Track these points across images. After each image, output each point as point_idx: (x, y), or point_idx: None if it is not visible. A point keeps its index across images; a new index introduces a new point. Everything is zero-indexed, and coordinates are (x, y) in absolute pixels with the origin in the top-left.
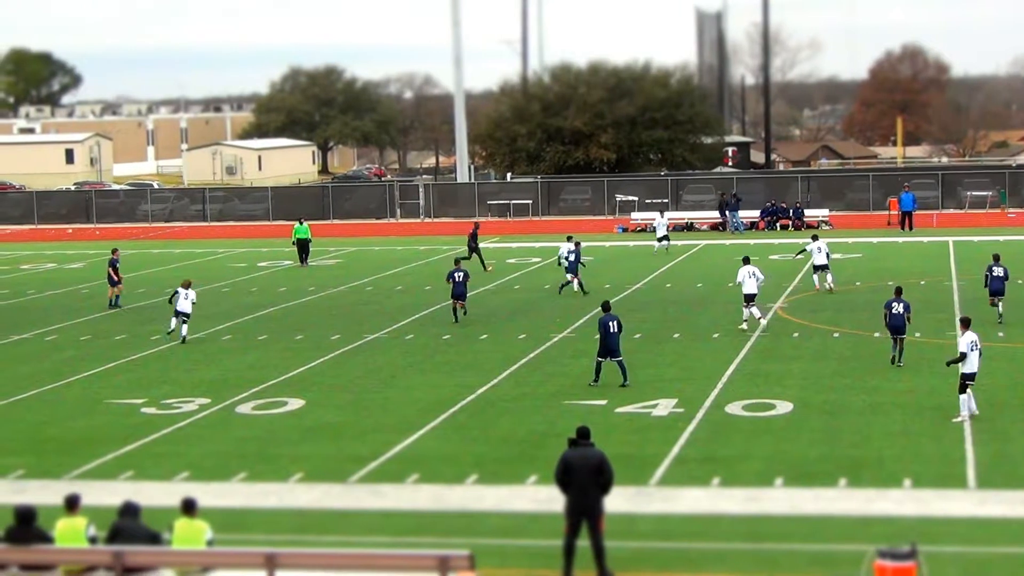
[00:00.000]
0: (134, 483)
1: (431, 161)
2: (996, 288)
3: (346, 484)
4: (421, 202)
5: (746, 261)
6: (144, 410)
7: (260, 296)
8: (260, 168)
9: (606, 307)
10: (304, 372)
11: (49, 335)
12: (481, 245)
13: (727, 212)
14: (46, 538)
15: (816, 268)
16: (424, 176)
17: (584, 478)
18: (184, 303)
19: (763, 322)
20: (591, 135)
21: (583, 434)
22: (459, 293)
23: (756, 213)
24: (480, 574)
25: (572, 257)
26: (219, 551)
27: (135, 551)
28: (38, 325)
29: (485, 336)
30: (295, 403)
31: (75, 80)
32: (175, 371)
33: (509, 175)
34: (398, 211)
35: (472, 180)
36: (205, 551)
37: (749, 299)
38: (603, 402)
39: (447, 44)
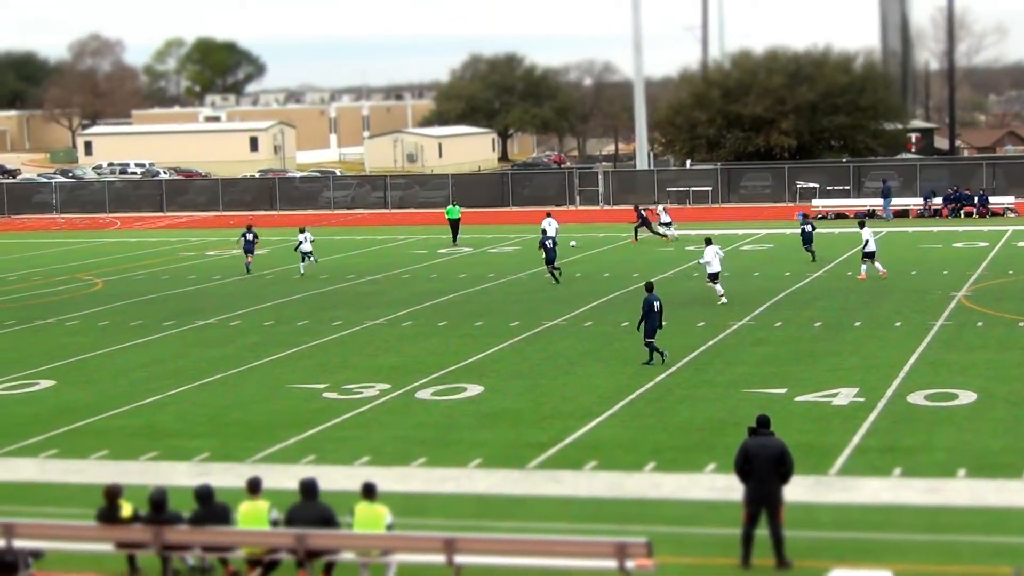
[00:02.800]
0: (315, 467)
1: (610, 148)
2: None
3: (524, 470)
4: (600, 189)
5: (708, 242)
6: (326, 395)
7: (440, 283)
8: (440, 155)
9: (649, 287)
10: (483, 358)
11: (233, 320)
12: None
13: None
14: (227, 512)
15: (865, 255)
16: (603, 163)
17: (764, 467)
18: (306, 245)
19: (724, 299)
20: (771, 121)
21: (763, 423)
22: (550, 258)
23: (930, 200)
24: (657, 562)
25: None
26: (399, 535)
27: (317, 534)
28: (223, 310)
29: (664, 323)
30: (474, 389)
31: (259, 69)
32: (356, 356)
33: (688, 162)
34: (577, 198)
35: (651, 167)
36: (385, 535)
37: (714, 277)
38: (783, 391)
39: (627, 31)
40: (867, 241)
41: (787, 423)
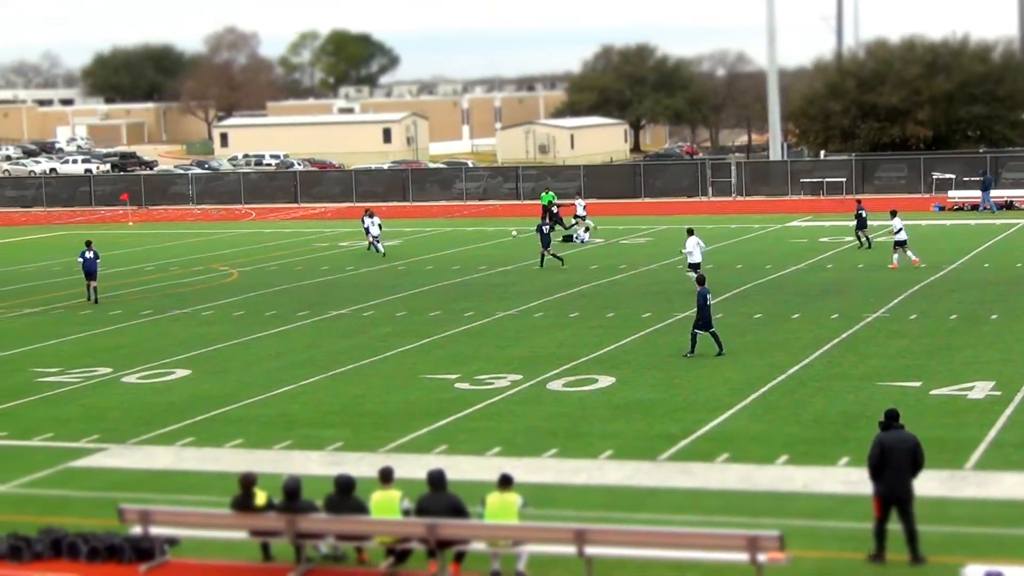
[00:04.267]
0: (447, 457)
1: (743, 139)
2: None
3: (656, 462)
4: (733, 180)
5: (690, 232)
6: (457, 385)
7: (571, 274)
8: (572, 147)
9: (701, 280)
10: (614, 350)
11: (366, 311)
12: (793, 224)
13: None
14: (363, 508)
15: (897, 244)
16: (736, 154)
17: (900, 461)
18: (374, 229)
19: None
20: (907, 112)
21: (893, 416)
22: (546, 243)
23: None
24: (790, 555)
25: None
26: (530, 526)
27: (449, 524)
28: (356, 301)
29: (797, 315)
30: (606, 380)
31: (393, 61)
32: (488, 347)
33: (822, 152)
34: (710, 189)
35: (785, 158)
36: (517, 525)
37: (695, 267)
38: (917, 384)
39: (761, 21)
40: (899, 229)
41: (922, 417)
